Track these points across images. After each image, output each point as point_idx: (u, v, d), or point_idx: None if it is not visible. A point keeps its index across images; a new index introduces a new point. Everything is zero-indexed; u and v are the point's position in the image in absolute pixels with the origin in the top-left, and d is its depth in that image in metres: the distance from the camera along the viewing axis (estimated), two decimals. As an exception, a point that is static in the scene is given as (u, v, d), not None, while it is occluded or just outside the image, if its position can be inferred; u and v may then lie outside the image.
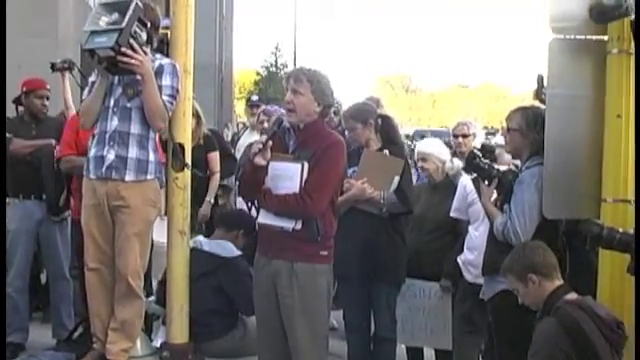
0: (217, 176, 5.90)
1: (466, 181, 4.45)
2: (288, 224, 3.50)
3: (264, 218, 3.60)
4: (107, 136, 3.97)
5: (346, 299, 4.62)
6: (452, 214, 4.64)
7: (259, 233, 3.76)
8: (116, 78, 4.01)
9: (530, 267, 3.21)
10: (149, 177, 4.03)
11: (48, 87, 5.28)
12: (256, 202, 3.71)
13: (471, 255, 4.45)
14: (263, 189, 3.56)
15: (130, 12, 3.77)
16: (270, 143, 3.51)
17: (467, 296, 4.49)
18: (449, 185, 4.78)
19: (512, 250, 3.36)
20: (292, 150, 3.61)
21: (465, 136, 5.73)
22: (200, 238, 4.71)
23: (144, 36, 3.91)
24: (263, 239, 3.68)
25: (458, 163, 4.80)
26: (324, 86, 3.61)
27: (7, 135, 4.94)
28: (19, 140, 5.03)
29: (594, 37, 3.59)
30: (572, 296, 3.15)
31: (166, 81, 3.98)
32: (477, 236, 4.41)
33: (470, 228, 4.57)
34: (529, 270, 3.20)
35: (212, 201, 5.79)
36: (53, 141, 5.00)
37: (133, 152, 3.97)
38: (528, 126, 3.67)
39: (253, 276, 3.82)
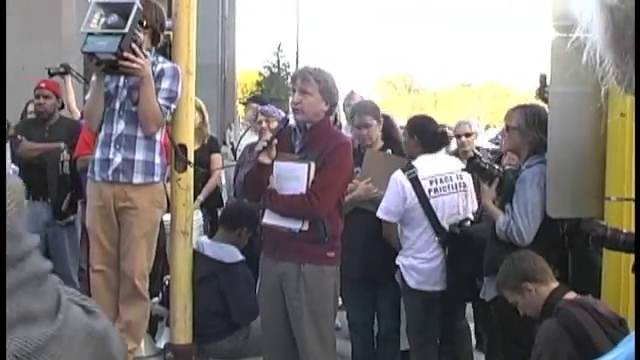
0: (216, 175, 5.86)
1: (404, 182, 4.04)
2: (295, 225, 3.48)
3: (269, 219, 3.58)
4: (113, 139, 3.99)
5: (350, 299, 4.61)
6: (382, 215, 4.13)
7: (264, 234, 3.74)
8: (121, 81, 4.02)
9: (523, 276, 3.19)
10: (156, 179, 4.07)
11: (43, 85, 5.26)
12: (262, 202, 3.67)
13: (414, 260, 4.13)
14: (268, 189, 3.54)
15: (132, 17, 3.77)
16: (275, 141, 3.49)
17: (414, 303, 4.18)
18: None
19: (501, 265, 3.33)
20: (299, 150, 3.60)
21: (468, 135, 5.71)
22: (202, 239, 4.65)
23: (142, 36, 3.92)
24: (269, 240, 3.66)
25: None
26: (331, 85, 3.62)
27: (18, 137, 4.97)
28: (28, 143, 5.05)
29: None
30: (571, 295, 3.14)
31: (165, 84, 3.98)
32: (418, 240, 4.13)
33: (407, 232, 4.17)
34: (523, 279, 3.19)
35: (202, 199, 5.63)
36: (62, 144, 5.01)
37: (140, 154, 3.99)
38: (527, 124, 3.67)
39: (259, 277, 3.80)
